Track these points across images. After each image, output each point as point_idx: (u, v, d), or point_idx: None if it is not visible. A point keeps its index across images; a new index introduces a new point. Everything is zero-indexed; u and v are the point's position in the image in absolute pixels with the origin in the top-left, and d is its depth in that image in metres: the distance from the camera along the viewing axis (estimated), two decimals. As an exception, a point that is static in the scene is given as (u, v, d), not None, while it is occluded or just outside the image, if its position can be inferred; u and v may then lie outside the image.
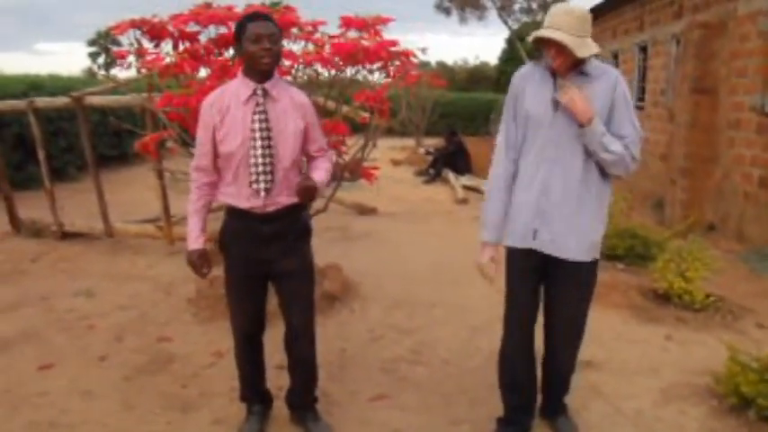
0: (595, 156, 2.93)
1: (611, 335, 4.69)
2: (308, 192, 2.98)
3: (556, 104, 2.95)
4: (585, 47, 2.84)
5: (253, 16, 2.96)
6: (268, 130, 2.94)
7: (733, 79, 8.14)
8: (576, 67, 2.94)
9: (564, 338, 3.23)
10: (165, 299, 5.50)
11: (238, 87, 3.00)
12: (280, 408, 3.51)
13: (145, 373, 4.08)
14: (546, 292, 3.19)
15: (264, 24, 2.90)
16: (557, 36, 2.80)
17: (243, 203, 3.02)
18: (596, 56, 2.95)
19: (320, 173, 3.13)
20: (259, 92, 2.95)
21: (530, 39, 2.97)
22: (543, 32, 2.86)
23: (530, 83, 3.06)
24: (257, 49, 2.87)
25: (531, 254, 3.06)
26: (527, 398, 3.32)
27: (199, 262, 3.13)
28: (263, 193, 2.97)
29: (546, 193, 2.99)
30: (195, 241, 3.12)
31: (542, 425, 3.44)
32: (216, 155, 3.03)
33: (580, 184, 2.97)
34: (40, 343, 4.55)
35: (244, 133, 2.93)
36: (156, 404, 3.68)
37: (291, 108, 3.02)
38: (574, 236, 2.99)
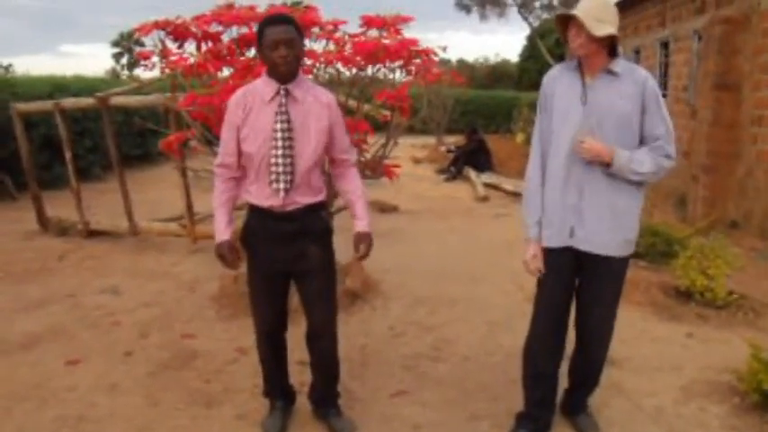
0: (630, 178, 2.99)
1: (633, 332, 4.67)
2: (370, 246, 3.20)
3: (584, 101, 2.99)
4: (602, 27, 2.87)
5: (271, 20, 2.96)
6: (289, 130, 2.96)
7: (756, 75, 8.06)
8: (605, 65, 2.99)
9: (598, 334, 3.26)
10: (188, 296, 5.57)
11: (263, 87, 3.02)
12: (302, 403, 3.55)
13: (169, 368, 4.15)
14: (580, 289, 3.22)
15: (281, 29, 2.89)
16: (572, 12, 2.88)
17: (263, 202, 3.06)
18: (615, 46, 2.99)
19: (361, 205, 3.24)
20: (282, 92, 2.98)
21: (555, 26, 3.06)
22: (563, 11, 2.96)
23: (559, 84, 3.10)
24: (274, 56, 2.90)
25: (565, 252, 3.11)
26: (549, 393, 3.34)
27: (229, 254, 3.13)
28: (282, 193, 2.99)
29: (581, 191, 3.03)
30: (223, 233, 3.14)
31: (562, 422, 3.45)
32: (240, 153, 3.07)
33: (612, 181, 3.01)
34: (67, 339, 4.64)
35: (265, 133, 2.96)
36: (180, 399, 3.74)
37: (315, 108, 3.03)
38: (608, 233, 3.04)
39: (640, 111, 2.99)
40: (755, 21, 8.13)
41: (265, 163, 2.98)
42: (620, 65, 3.00)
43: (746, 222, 8.14)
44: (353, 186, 3.26)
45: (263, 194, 3.04)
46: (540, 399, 3.31)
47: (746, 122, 8.25)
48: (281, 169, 2.96)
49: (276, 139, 2.95)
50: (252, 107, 3.00)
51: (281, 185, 2.98)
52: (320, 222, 3.19)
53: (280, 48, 2.88)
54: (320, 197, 3.17)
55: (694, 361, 4.27)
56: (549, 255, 3.15)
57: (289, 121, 2.96)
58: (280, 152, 2.95)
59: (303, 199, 3.06)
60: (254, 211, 3.14)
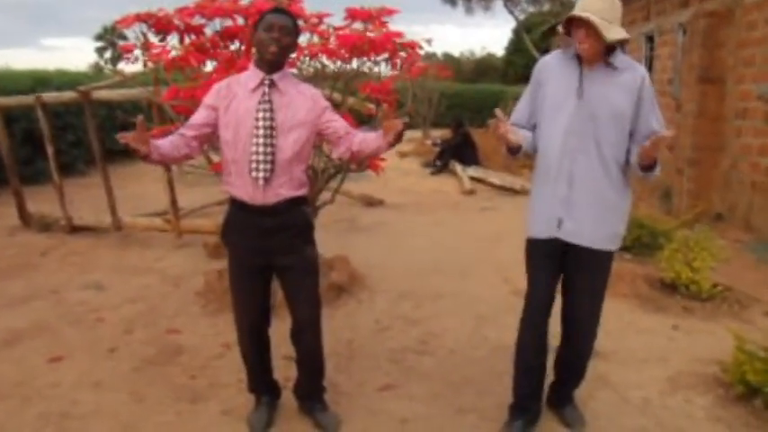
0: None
1: (619, 324, 4.69)
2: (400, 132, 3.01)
3: (580, 92, 2.98)
4: (614, 31, 2.88)
5: (273, 9, 3.05)
6: (271, 119, 2.96)
7: (740, 68, 8.10)
8: (604, 58, 2.98)
9: (585, 326, 3.27)
10: (173, 291, 5.53)
11: (248, 77, 3.05)
12: (288, 398, 3.53)
13: (154, 364, 4.12)
14: (566, 280, 3.23)
15: (280, 17, 2.98)
16: (585, 15, 2.84)
17: (243, 193, 3.04)
18: (622, 46, 2.97)
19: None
20: (266, 82, 2.99)
21: (561, 23, 2.99)
22: (574, 12, 2.89)
23: (554, 72, 3.09)
24: (266, 36, 2.94)
25: (552, 242, 3.11)
26: (538, 385, 3.35)
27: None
28: (261, 182, 2.97)
29: (571, 183, 3.03)
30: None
31: (548, 415, 3.45)
32: (202, 134, 3.05)
33: (604, 174, 3.02)
34: (50, 335, 4.59)
35: (247, 121, 2.96)
36: (165, 395, 3.72)
37: (299, 101, 3.04)
38: (597, 225, 3.05)
39: (634, 106, 2.98)
40: (739, 14, 8.17)
41: (246, 151, 2.96)
42: (619, 58, 3.00)
43: (731, 215, 8.19)
44: (360, 137, 3.17)
45: (242, 185, 3.02)
46: (530, 390, 3.32)
47: (731, 115, 8.30)
48: (261, 158, 2.95)
49: (258, 128, 2.94)
50: (236, 95, 3.01)
51: (261, 174, 2.96)
52: (302, 217, 3.18)
53: (274, 30, 2.93)
54: (302, 191, 3.15)
55: (680, 353, 4.29)
56: (537, 246, 3.16)
57: (271, 110, 2.96)
58: (261, 140, 2.94)
59: (284, 191, 3.04)
60: (235, 204, 3.13)
